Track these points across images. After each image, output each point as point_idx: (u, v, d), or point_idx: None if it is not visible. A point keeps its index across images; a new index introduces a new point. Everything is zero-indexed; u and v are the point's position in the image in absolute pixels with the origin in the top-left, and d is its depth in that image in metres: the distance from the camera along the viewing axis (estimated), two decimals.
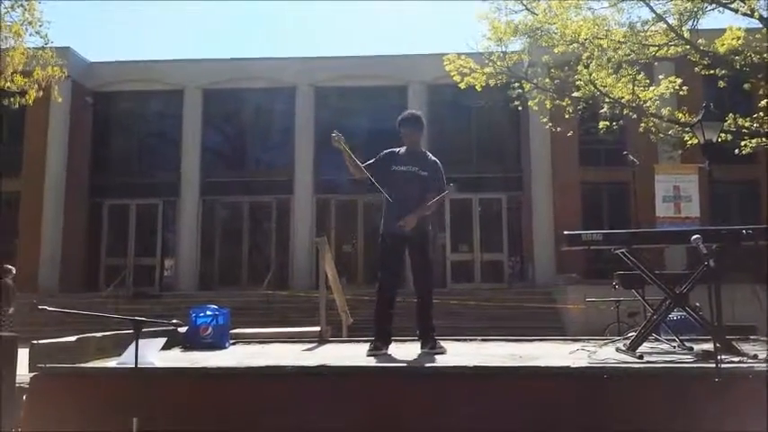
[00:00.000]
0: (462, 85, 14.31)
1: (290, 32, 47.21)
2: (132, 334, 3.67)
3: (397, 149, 5.42)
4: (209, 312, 5.63)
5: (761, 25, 12.42)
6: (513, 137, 20.83)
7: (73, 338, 4.81)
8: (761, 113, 13.36)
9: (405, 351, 5.11)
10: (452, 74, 14.22)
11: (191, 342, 5.53)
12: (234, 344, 5.86)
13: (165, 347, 4.96)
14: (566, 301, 15.36)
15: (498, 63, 14.02)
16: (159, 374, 4.02)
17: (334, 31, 47.27)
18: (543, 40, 13.65)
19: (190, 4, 47.66)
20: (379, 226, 5.40)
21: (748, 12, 11.76)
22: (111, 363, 4.43)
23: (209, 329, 5.54)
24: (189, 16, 48.90)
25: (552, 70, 14.38)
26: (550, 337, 6.41)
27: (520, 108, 15.31)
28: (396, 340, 5.59)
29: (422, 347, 5.09)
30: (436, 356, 4.82)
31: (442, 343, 5.16)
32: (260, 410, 3.77)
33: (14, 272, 13.03)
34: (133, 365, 3.56)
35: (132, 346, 3.62)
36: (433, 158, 5.43)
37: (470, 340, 5.99)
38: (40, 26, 12.37)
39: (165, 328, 5.40)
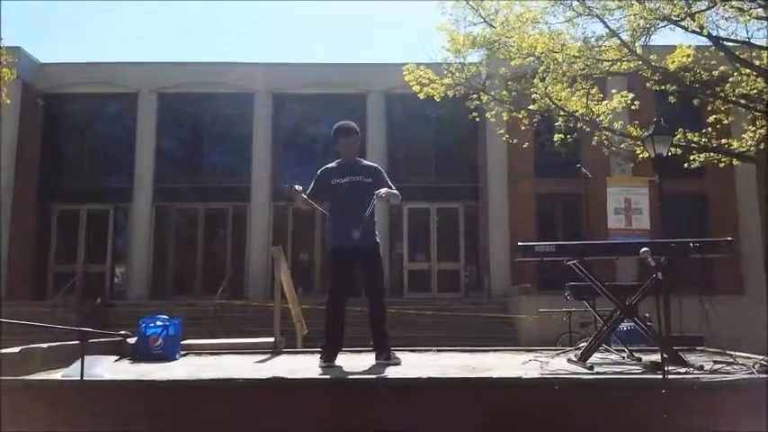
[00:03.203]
0: (421, 96, 14.43)
1: (249, 38, 46.91)
2: (79, 345, 3.58)
3: (333, 164, 5.38)
4: (159, 322, 5.52)
5: (710, 43, 12.84)
6: (470, 147, 21.04)
7: (16, 349, 4.66)
8: (709, 129, 13.80)
9: (359, 362, 5.09)
10: (411, 84, 14.35)
11: (140, 353, 5.41)
12: (185, 355, 5.75)
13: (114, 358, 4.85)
14: (519, 310, 15.54)
15: (457, 74, 14.20)
16: (106, 387, 3.91)
17: (293, 38, 47.14)
18: (501, 52, 13.87)
19: (143, 5, 46.98)
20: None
21: (697, 29, 12.14)
22: (57, 375, 4.30)
23: (160, 340, 5.42)
24: (144, 18, 48.19)
25: (509, 83, 14.63)
26: (504, 348, 6.45)
27: (477, 119, 15.51)
28: (351, 350, 5.57)
29: (376, 358, 5.07)
30: (391, 367, 4.81)
31: (398, 354, 5.15)
32: (210, 425, 3.69)
33: None
34: (79, 378, 3.47)
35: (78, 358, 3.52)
36: (372, 164, 5.47)
37: (425, 351, 5.99)
38: None
39: (113, 338, 5.28)
